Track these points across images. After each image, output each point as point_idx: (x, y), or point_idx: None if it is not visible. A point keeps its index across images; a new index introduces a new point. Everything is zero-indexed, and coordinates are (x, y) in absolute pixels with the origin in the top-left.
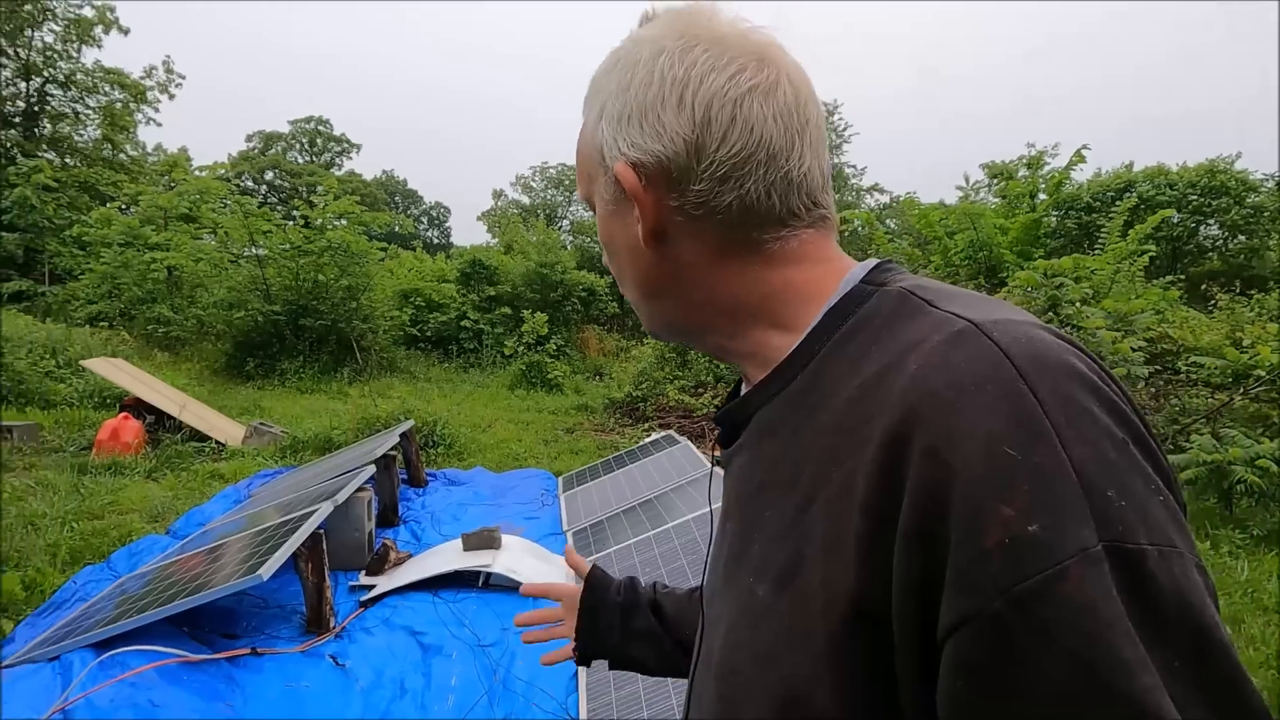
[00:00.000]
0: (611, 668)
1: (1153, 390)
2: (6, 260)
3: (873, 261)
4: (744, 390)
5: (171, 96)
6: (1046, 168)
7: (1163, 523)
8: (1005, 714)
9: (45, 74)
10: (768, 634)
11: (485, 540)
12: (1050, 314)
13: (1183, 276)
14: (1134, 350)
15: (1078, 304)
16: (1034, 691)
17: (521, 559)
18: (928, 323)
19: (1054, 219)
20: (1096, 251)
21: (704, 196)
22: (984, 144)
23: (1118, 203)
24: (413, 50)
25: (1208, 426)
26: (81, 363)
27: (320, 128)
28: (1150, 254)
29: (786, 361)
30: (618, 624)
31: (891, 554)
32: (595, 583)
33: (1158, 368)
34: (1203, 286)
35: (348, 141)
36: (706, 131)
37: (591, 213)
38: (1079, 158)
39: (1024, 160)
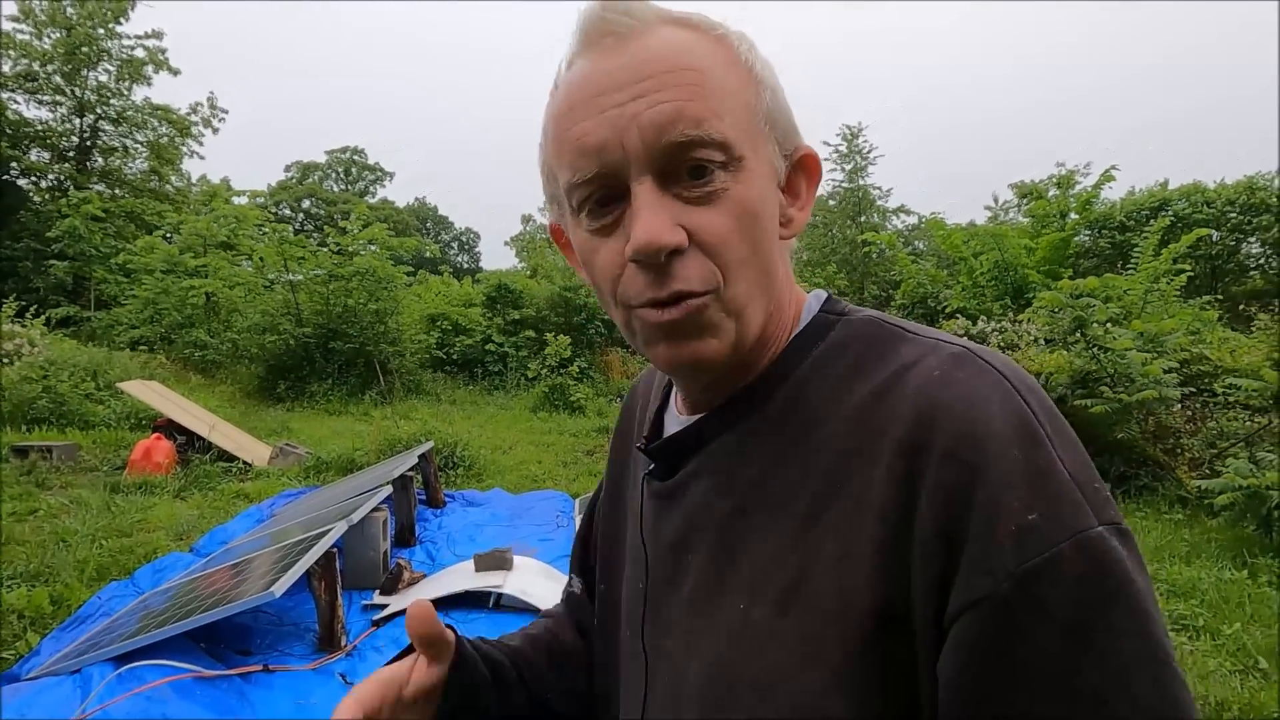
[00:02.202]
0: None
1: (1188, 414)
2: (57, 287)
3: (822, 293)
4: (670, 417)
5: (215, 131)
6: (1078, 187)
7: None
8: (1007, 689)
9: (98, 111)
10: (772, 657)
11: (497, 561)
12: (1077, 334)
13: (1222, 296)
14: (1166, 372)
15: (1106, 325)
16: (1031, 664)
17: (533, 580)
18: (917, 346)
19: (1087, 239)
20: (1129, 271)
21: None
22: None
23: (1152, 221)
24: (447, 72)
25: (1246, 450)
26: (118, 385)
27: (355, 157)
28: (1186, 273)
29: (755, 385)
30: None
31: (910, 557)
32: (465, 660)
33: (1193, 390)
34: (1241, 306)
35: (381, 170)
36: None
37: (712, 154)
38: (1108, 176)
39: (1054, 179)
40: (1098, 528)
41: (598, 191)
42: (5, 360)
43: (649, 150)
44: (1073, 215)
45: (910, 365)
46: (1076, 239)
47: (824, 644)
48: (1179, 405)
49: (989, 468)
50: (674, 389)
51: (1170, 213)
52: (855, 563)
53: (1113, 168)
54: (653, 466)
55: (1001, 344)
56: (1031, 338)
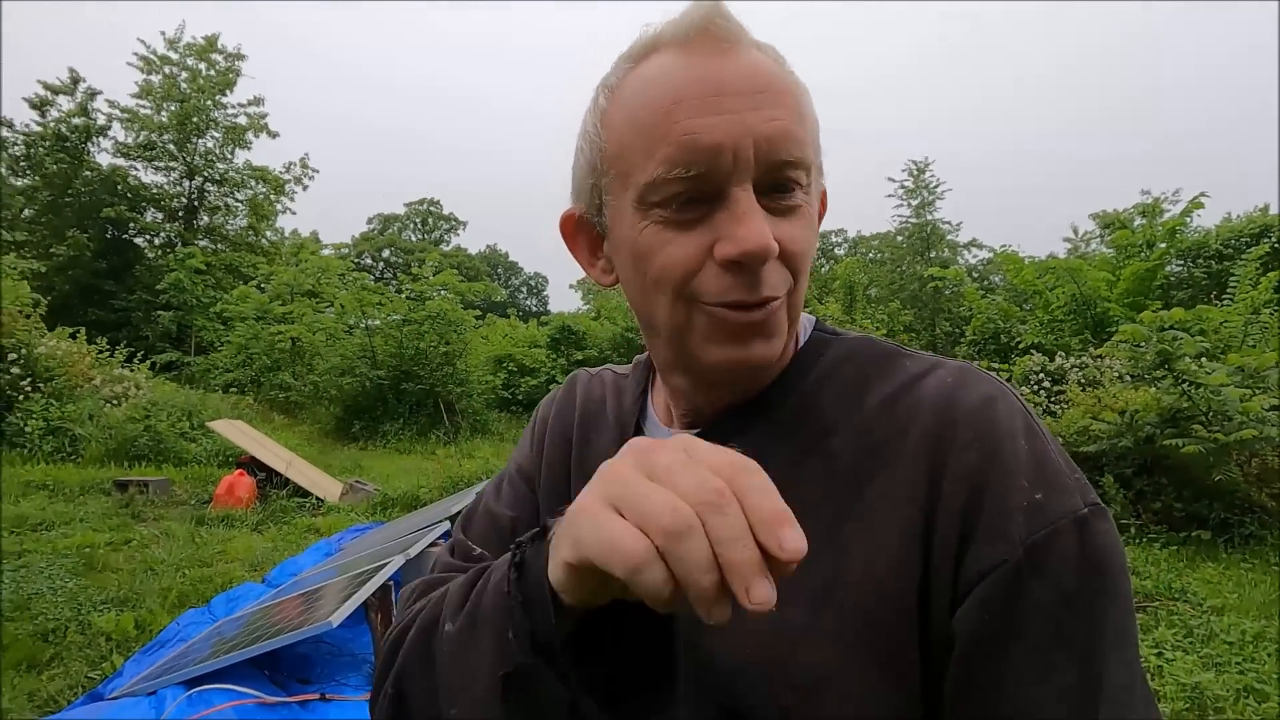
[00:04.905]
0: None
1: None
2: (163, 335)
3: (811, 316)
4: (652, 429)
5: (305, 188)
6: (1165, 215)
7: None
8: (1010, 639)
9: (205, 174)
10: (811, 656)
11: None
12: (1163, 370)
13: None
14: (1269, 409)
15: (1199, 359)
16: (1031, 618)
17: None
18: (921, 361)
19: (1180, 269)
20: (1226, 302)
21: None
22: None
23: (1251, 249)
24: (523, 134)
25: None
26: (207, 424)
27: (431, 208)
28: None
29: (762, 395)
30: None
31: (934, 535)
32: None
33: None
34: None
35: (455, 219)
36: None
37: (800, 175)
38: (1196, 204)
39: (1139, 208)
40: (1084, 509)
41: (691, 190)
42: (114, 402)
43: (758, 162)
44: (1160, 245)
45: (921, 375)
46: (1167, 269)
47: (868, 637)
48: None
49: (1002, 455)
50: (649, 400)
51: (1272, 239)
52: (888, 553)
53: (1202, 194)
54: None
55: (1082, 380)
56: (1115, 373)
